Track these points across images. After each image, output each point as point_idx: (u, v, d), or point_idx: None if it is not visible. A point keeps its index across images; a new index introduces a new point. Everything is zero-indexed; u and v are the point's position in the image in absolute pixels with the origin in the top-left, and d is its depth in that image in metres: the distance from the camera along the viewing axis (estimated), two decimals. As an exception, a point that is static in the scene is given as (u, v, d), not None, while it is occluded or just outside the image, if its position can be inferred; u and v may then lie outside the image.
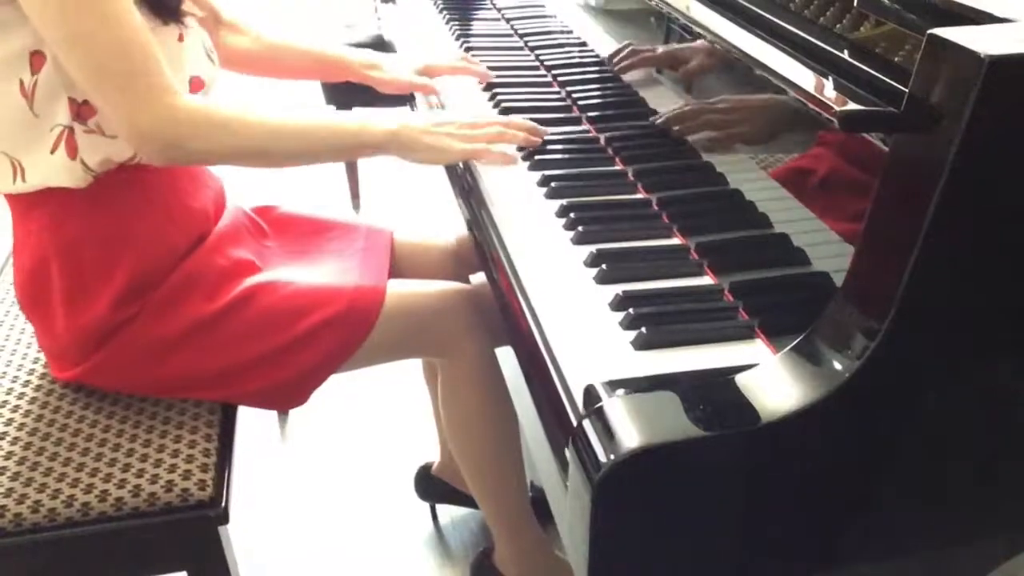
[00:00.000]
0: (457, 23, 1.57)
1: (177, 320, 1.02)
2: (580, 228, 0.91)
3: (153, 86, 0.90)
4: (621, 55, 1.25)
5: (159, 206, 1.04)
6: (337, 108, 2.40)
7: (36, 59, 0.91)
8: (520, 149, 1.08)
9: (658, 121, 1.10)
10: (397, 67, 1.31)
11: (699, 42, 1.02)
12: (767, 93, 0.86)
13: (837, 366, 0.62)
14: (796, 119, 0.82)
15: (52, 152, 0.94)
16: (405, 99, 1.54)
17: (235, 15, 1.27)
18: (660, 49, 1.17)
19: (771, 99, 0.85)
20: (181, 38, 1.01)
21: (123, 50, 0.88)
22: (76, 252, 0.99)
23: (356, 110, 2.43)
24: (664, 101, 1.17)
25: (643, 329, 0.74)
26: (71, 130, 0.94)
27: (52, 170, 0.95)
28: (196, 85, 1.04)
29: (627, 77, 1.24)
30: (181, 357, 1.03)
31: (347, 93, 2.32)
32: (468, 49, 1.44)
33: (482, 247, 0.99)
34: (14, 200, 1.01)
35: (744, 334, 0.75)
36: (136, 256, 1.01)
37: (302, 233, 1.23)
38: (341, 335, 1.06)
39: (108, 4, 0.87)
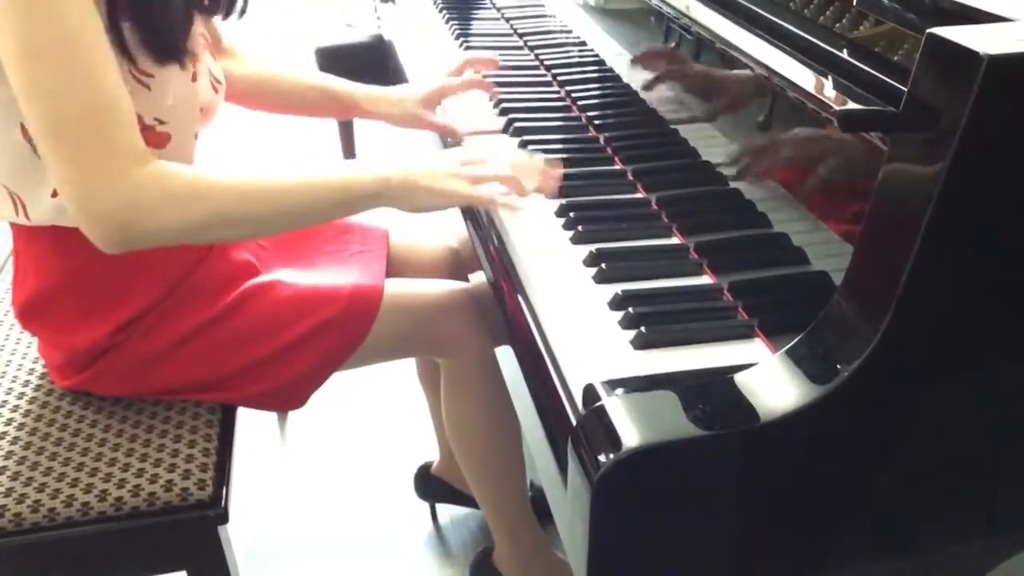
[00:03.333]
0: (457, 23, 1.57)
1: (178, 328, 1.02)
2: (579, 227, 0.91)
3: (115, 155, 0.79)
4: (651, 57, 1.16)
5: None
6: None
7: None
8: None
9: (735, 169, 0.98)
10: (404, 101, 1.22)
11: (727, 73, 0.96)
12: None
13: (836, 366, 0.62)
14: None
15: (53, 196, 0.90)
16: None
17: (235, 41, 1.21)
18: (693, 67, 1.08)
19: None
20: (195, 77, 0.95)
21: (90, 114, 0.78)
22: (86, 281, 0.98)
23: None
24: (664, 101, 1.17)
25: (642, 328, 0.74)
26: None
27: (54, 212, 0.91)
28: (203, 113, 1.00)
29: (628, 80, 1.24)
30: (180, 363, 1.03)
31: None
32: (467, 49, 1.44)
33: (481, 246, 0.99)
34: (18, 227, 0.97)
35: (743, 333, 0.75)
36: (149, 283, 1.00)
37: (297, 233, 1.23)
38: (340, 336, 1.06)
39: (83, 60, 0.77)
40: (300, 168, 0.92)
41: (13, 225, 0.99)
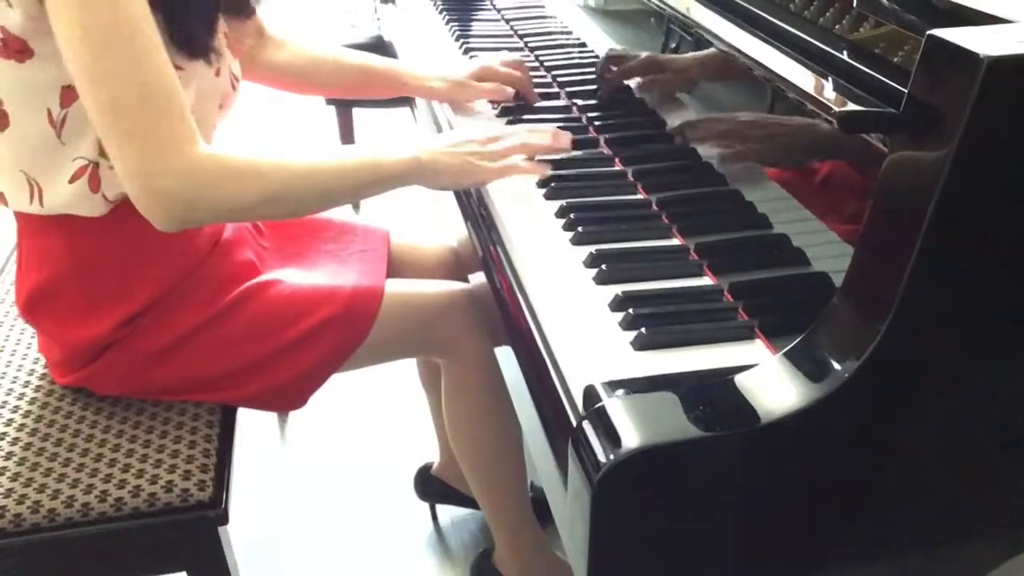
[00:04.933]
0: (457, 24, 1.57)
1: (178, 326, 1.02)
2: (580, 228, 0.91)
3: (175, 136, 0.84)
4: (612, 70, 1.22)
5: None
6: (338, 109, 2.40)
7: (68, 93, 0.88)
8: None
9: (673, 126, 1.06)
10: (448, 74, 1.23)
11: (690, 54, 1.01)
12: (793, 116, 0.85)
13: (836, 366, 0.62)
14: (821, 146, 0.81)
15: (70, 182, 0.91)
16: (407, 101, 1.54)
17: (279, 31, 1.23)
18: (645, 57, 1.16)
19: (804, 123, 0.83)
20: (218, 72, 0.98)
21: (149, 94, 0.82)
22: (93, 273, 0.98)
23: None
24: (664, 101, 1.17)
25: (643, 329, 0.74)
26: (96, 165, 0.91)
27: (71, 200, 0.93)
28: (221, 108, 1.02)
29: (627, 81, 1.24)
30: (180, 362, 1.03)
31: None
32: (467, 50, 1.44)
33: (482, 247, 0.99)
34: (26, 217, 0.98)
35: (744, 334, 0.75)
36: (155, 279, 1.00)
37: (298, 234, 1.23)
38: (340, 336, 1.06)
39: (139, 44, 0.81)
40: (332, 149, 0.97)
41: (20, 216, 0.99)
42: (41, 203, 0.94)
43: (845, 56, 0.72)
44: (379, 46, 2.21)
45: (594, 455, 0.62)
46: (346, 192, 0.97)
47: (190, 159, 0.84)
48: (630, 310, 0.77)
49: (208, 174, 0.86)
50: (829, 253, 0.80)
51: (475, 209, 1.03)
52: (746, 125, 0.95)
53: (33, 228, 0.99)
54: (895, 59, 0.68)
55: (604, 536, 0.64)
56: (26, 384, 1.09)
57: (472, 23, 1.61)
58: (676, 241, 0.90)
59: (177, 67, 0.89)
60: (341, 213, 1.29)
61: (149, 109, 0.82)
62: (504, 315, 0.87)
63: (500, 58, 1.25)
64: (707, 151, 1.02)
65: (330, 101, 2.39)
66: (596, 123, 1.15)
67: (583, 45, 1.39)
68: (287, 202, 0.93)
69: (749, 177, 0.96)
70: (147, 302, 1.00)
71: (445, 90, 1.24)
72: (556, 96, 1.26)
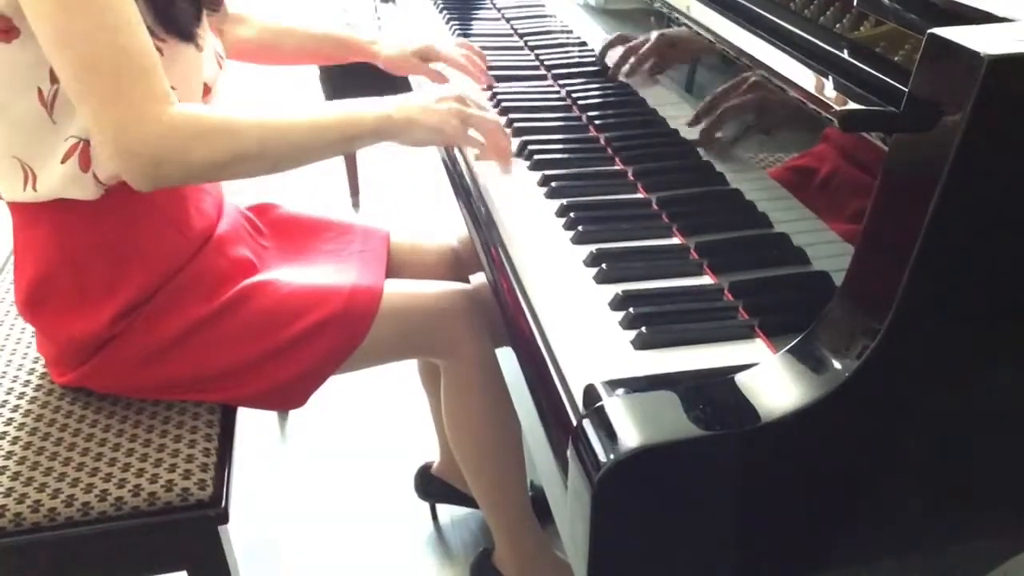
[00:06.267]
0: (457, 23, 1.57)
1: (175, 323, 1.02)
2: (580, 228, 0.91)
3: (146, 96, 0.85)
4: (617, 61, 1.24)
5: (166, 215, 1.02)
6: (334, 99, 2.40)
7: None
8: (519, 154, 1.09)
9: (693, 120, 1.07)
10: (401, 47, 1.30)
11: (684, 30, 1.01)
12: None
13: (837, 366, 0.62)
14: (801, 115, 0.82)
15: (62, 162, 0.92)
16: (406, 86, 1.53)
17: (239, 8, 1.27)
18: (651, 40, 1.16)
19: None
20: (200, 48, 0.99)
21: (120, 55, 0.83)
22: (83, 263, 0.98)
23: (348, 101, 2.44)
24: (664, 101, 1.17)
25: (643, 329, 0.74)
26: (87, 143, 0.92)
27: (63, 181, 0.93)
28: (206, 91, 1.03)
29: (627, 78, 1.24)
30: (178, 360, 1.03)
31: (346, 83, 2.32)
32: (468, 49, 1.44)
33: (482, 247, 0.99)
34: (20, 208, 0.98)
35: (744, 334, 0.75)
36: (144, 270, 1.00)
37: (298, 233, 1.23)
38: (338, 335, 1.06)
39: (111, 9, 0.83)
40: (306, 105, 0.99)
41: (14, 208, 0.99)
42: (35, 188, 0.94)
43: (845, 55, 0.72)
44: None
45: (594, 454, 0.62)
46: (321, 149, 0.98)
47: (163, 119, 0.86)
48: (630, 309, 0.77)
49: (178, 133, 0.87)
50: (829, 252, 0.80)
51: (475, 209, 1.03)
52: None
53: (25, 219, 0.99)
54: (896, 58, 0.68)
55: (604, 536, 0.64)
56: (26, 384, 1.09)
57: (472, 22, 1.61)
58: (676, 240, 0.90)
59: (161, 40, 0.91)
60: (341, 212, 1.30)
61: (122, 71, 0.84)
62: (504, 315, 0.87)
63: (455, 44, 1.31)
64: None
65: (327, 94, 2.39)
66: (596, 122, 1.15)
67: (583, 44, 1.39)
68: (261, 160, 0.94)
69: (749, 176, 0.96)
70: (139, 295, 1.00)
71: (385, 58, 1.30)
72: (556, 95, 1.26)
